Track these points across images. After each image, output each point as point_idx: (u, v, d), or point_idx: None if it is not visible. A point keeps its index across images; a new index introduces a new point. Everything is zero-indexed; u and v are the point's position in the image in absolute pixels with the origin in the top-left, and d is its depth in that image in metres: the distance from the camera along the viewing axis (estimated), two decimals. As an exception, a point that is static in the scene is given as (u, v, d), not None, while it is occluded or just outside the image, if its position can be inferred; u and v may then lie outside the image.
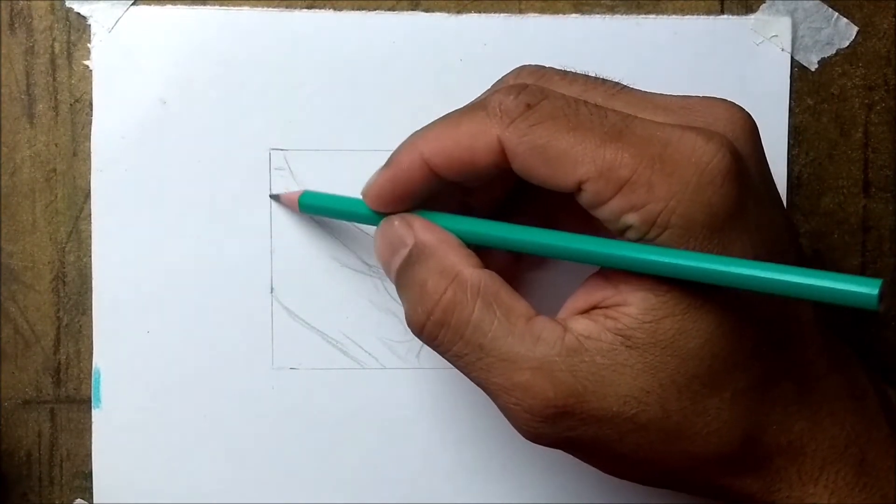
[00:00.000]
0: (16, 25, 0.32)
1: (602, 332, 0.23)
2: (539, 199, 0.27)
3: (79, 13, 0.32)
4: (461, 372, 0.25)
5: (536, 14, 0.32)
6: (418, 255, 0.25)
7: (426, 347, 0.32)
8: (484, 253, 0.26)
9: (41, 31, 0.32)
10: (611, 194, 0.22)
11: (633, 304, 0.23)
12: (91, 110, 0.32)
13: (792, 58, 0.32)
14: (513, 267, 0.30)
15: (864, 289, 0.19)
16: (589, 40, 0.32)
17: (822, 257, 0.33)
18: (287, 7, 0.32)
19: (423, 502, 0.33)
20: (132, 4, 0.32)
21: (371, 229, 0.32)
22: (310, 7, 0.32)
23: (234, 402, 0.32)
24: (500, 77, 0.27)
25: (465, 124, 0.24)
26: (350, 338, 0.32)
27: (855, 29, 0.33)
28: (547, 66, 0.26)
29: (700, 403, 0.23)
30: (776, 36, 0.32)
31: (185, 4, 0.32)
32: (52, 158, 0.32)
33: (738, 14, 0.32)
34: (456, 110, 0.25)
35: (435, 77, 0.32)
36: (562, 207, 0.27)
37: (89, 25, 0.32)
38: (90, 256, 0.32)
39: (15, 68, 0.32)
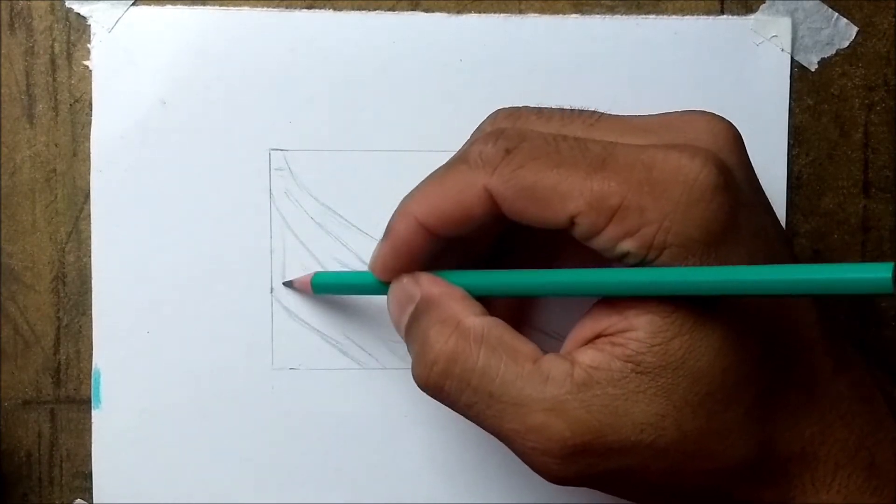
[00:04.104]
0: (16, 25, 0.32)
1: (611, 361, 0.23)
2: (534, 234, 0.28)
3: (79, 13, 0.32)
4: (475, 423, 0.24)
5: (536, 14, 0.32)
6: (423, 309, 0.25)
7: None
8: (487, 299, 0.26)
9: (41, 31, 0.32)
10: (604, 224, 0.22)
11: (641, 329, 0.23)
12: (91, 110, 0.32)
13: (792, 58, 0.32)
14: (519, 308, 0.30)
15: (877, 274, 0.19)
16: (589, 40, 0.32)
17: (822, 257, 0.33)
18: (287, 7, 0.32)
19: (422, 502, 0.33)
20: (132, 4, 0.32)
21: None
22: (310, 7, 0.32)
23: (234, 402, 0.32)
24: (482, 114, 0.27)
25: (450, 180, 0.24)
26: (350, 338, 0.32)
27: (855, 29, 0.33)
28: (521, 105, 0.26)
29: (715, 420, 0.23)
30: (776, 36, 0.32)
31: (185, 4, 0.32)
32: (52, 158, 0.32)
33: (738, 14, 0.32)
34: (440, 167, 0.25)
35: (435, 77, 0.32)
36: (557, 239, 0.27)
37: (89, 25, 0.32)
38: (90, 256, 0.32)
39: (15, 68, 0.32)
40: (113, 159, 0.32)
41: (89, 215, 0.32)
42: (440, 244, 0.26)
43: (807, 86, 0.33)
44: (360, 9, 0.32)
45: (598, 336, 0.24)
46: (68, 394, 0.32)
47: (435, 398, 0.25)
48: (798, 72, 0.33)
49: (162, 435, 0.32)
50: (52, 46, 0.32)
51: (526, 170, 0.23)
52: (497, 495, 0.33)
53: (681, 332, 0.22)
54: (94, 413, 0.32)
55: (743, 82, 0.32)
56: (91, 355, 0.32)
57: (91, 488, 0.32)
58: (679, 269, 0.22)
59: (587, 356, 0.23)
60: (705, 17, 0.32)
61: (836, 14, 0.32)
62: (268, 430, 0.32)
